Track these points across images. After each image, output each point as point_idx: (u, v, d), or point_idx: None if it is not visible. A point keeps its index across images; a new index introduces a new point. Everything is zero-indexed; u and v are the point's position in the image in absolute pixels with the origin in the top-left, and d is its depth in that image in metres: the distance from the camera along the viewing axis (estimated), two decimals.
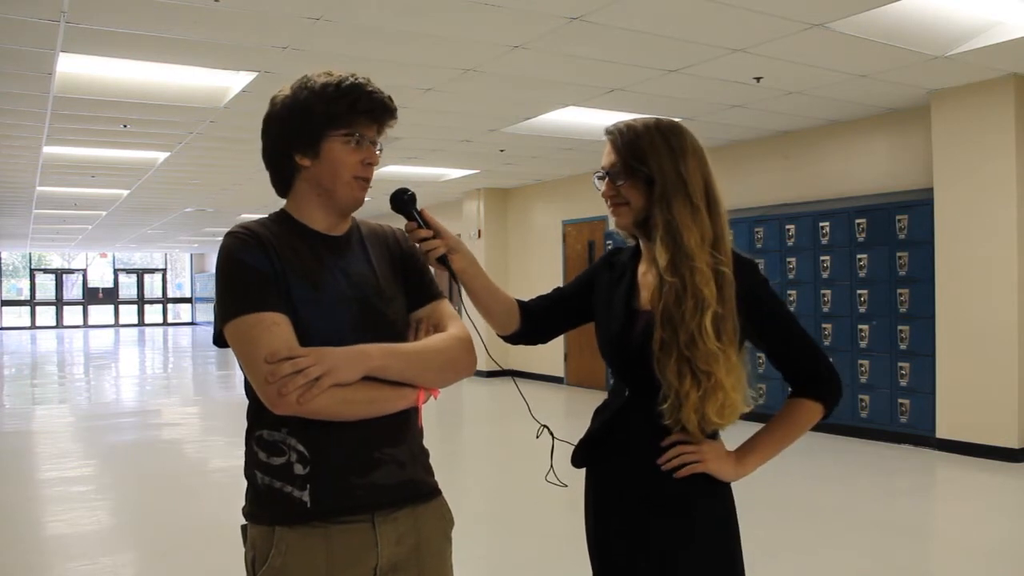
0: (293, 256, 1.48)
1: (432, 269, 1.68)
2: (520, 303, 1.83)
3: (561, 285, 1.92)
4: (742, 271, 1.63)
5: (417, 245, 1.64)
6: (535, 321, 1.84)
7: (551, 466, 1.73)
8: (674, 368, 1.55)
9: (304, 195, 1.54)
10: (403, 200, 1.64)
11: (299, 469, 1.44)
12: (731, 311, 1.58)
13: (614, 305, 1.73)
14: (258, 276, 1.43)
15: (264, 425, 1.47)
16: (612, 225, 1.77)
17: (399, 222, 1.70)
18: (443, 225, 1.67)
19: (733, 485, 1.69)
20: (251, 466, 1.50)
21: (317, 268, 1.50)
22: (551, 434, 1.77)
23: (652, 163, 1.61)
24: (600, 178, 1.70)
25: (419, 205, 1.68)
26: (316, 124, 1.48)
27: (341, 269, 1.53)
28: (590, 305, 1.83)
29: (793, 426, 1.69)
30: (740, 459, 1.65)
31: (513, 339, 1.86)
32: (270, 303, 1.41)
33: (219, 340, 1.47)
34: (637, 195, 1.64)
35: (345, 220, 1.59)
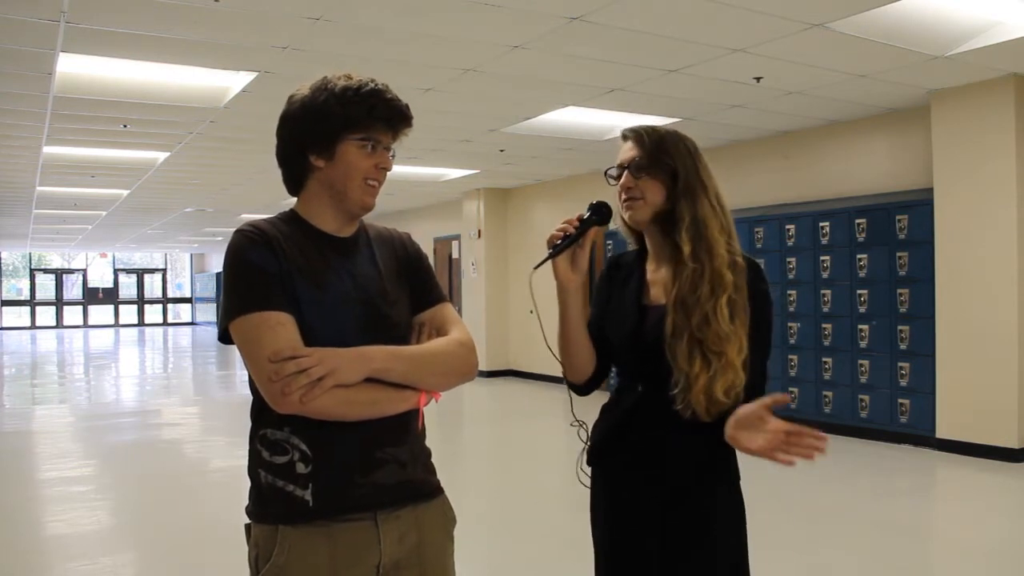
0: (300, 256, 1.50)
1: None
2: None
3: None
4: (749, 270, 1.70)
5: (564, 225, 1.71)
6: (601, 354, 1.83)
7: (579, 467, 1.78)
8: (685, 350, 1.61)
9: (315, 195, 1.56)
10: (600, 209, 1.72)
11: (301, 468, 1.45)
12: (743, 299, 1.65)
13: (625, 303, 1.77)
14: (265, 275, 1.45)
15: (267, 424, 1.48)
16: (614, 225, 1.80)
17: (402, 225, 1.71)
18: (587, 253, 1.73)
19: None
20: (254, 465, 1.51)
21: (323, 269, 1.51)
22: (587, 435, 1.81)
23: (677, 159, 1.70)
24: (616, 176, 1.74)
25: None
26: (333, 126, 1.49)
27: (347, 271, 1.54)
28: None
29: None
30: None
31: (589, 385, 1.85)
32: (275, 302, 1.43)
33: (224, 337, 1.48)
34: (656, 189, 1.70)
35: (353, 222, 1.61)
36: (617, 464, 1.75)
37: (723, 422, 1.61)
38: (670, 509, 1.67)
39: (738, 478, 1.73)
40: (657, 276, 1.74)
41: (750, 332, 1.65)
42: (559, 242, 1.71)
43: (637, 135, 1.73)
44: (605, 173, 1.78)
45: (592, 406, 1.88)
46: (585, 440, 1.80)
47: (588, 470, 1.82)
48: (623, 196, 1.73)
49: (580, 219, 1.71)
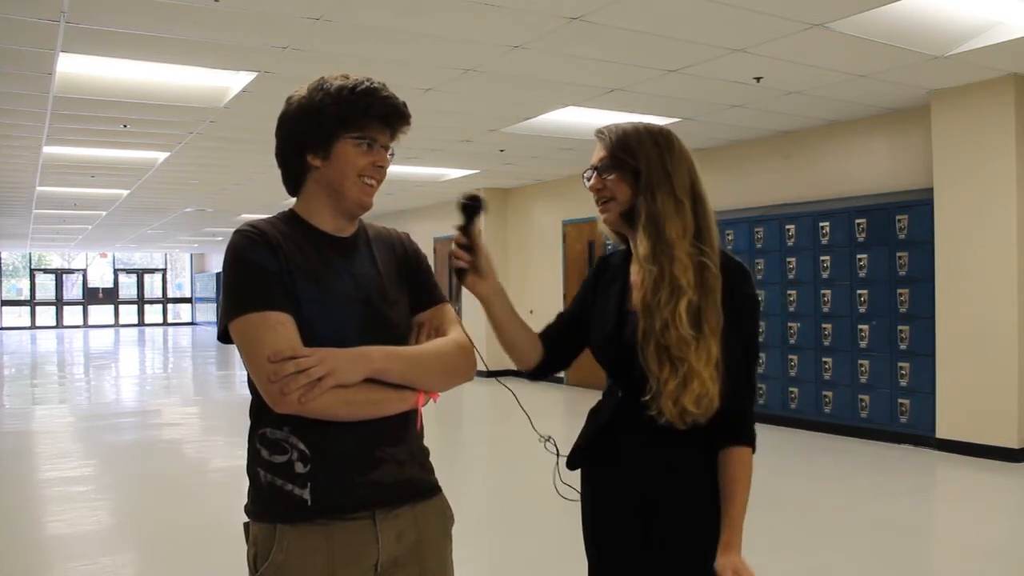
0: (300, 256, 1.50)
1: (453, 276, 1.68)
2: (539, 334, 1.83)
3: (562, 285, 1.91)
4: (731, 273, 1.64)
5: (452, 247, 1.66)
6: (555, 348, 1.82)
7: (556, 479, 1.74)
8: (654, 355, 1.57)
9: (314, 195, 1.56)
10: (468, 204, 1.65)
11: (300, 467, 1.45)
12: (714, 303, 1.59)
13: (607, 307, 1.75)
14: (265, 275, 1.45)
15: (267, 423, 1.48)
16: (600, 225, 1.78)
17: (402, 225, 1.70)
18: (484, 247, 1.68)
19: None
20: (253, 463, 1.51)
21: (323, 269, 1.51)
22: (555, 448, 1.77)
23: (639, 156, 1.65)
24: (588, 176, 1.73)
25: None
26: (329, 125, 1.50)
27: (347, 271, 1.54)
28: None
29: (743, 483, 1.62)
30: (730, 548, 1.59)
31: (536, 373, 1.84)
32: (275, 302, 1.43)
33: (224, 336, 1.48)
34: (623, 188, 1.67)
35: (353, 222, 1.61)
36: (599, 469, 1.74)
37: (699, 430, 1.58)
38: (651, 516, 1.64)
39: (717, 489, 1.65)
40: (639, 280, 1.70)
41: (729, 339, 1.59)
42: (459, 267, 1.65)
43: (602, 135, 1.72)
44: (583, 176, 1.76)
45: (586, 406, 1.88)
46: (556, 452, 1.76)
47: (569, 479, 1.77)
48: (595, 198, 1.72)
49: (461, 228, 1.66)
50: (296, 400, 1.37)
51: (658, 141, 1.67)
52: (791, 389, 7.53)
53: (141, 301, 29.41)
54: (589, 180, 1.73)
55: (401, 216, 14.54)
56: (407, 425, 1.56)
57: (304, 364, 1.37)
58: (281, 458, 1.46)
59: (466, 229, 1.65)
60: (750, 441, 1.63)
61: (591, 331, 1.79)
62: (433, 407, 1.56)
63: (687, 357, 1.55)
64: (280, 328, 1.41)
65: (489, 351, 1.79)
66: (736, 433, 1.62)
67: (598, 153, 1.72)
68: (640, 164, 1.65)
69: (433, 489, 1.61)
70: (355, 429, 1.46)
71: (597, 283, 1.82)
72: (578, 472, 1.80)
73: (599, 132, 1.73)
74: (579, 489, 1.79)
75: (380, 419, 1.48)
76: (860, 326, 7.02)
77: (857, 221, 7.03)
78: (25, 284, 28.45)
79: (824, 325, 7.29)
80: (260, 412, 1.49)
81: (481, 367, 1.69)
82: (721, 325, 1.59)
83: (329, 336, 1.45)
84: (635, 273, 1.72)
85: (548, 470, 1.75)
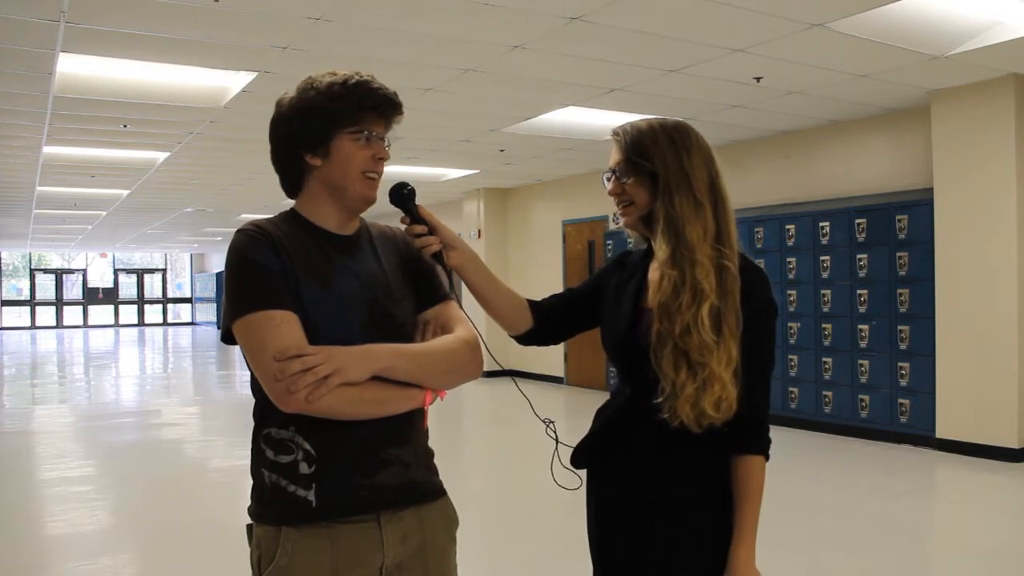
0: (303, 255, 1.49)
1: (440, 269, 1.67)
2: (531, 302, 1.81)
3: (562, 285, 1.89)
4: (749, 278, 1.62)
5: (413, 241, 1.63)
6: (547, 320, 1.81)
7: (553, 465, 1.71)
8: (670, 359, 1.55)
9: (315, 194, 1.55)
10: (402, 195, 1.62)
11: (304, 468, 1.44)
12: (733, 305, 1.57)
13: (622, 304, 1.72)
14: (268, 274, 1.43)
15: (272, 423, 1.47)
16: (614, 225, 1.77)
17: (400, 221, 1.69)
18: (440, 221, 1.64)
19: None
20: (258, 464, 1.50)
21: (327, 267, 1.50)
22: (554, 433, 1.74)
23: (656, 159, 1.62)
24: (608, 179, 1.71)
25: (428, 199, 1.66)
26: (324, 123, 1.49)
27: (351, 269, 1.53)
28: (600, 307, 1.81)
29: (753, 493, 1.60)
30: (739, 559, 1.57)
31: (525, 339, 1.82)
32: (279, 301, 1.42)
33: (227, 337, 1.47)
34: (642, 192, 1.65)
35: (355, 219, 1.60)
36: (605, 468, 1.72)
37: (708, 432, 1.56)
38: (657, 517, 1.63)
39: (728, 491, 1.62)
40: (656, 278, 1.67)
41: (746, 342, 1.57)
42: (436, 251, 1.60)
43: (617, 136, 1.68)
44: (602, 178, 1.73)
45: (591, 407, 1.87)
46: (555, 438, 1.73)
47: (569, 471, 1.74)
48: (615, 201, 1.69)
49: (409, 218, 1.62)
50: (303, 399, 1.35)
51: (674, 139, 1.63)
52: (791, 389, 7.53)
53: (141, 301, 29.41)
54: (608, 183, 1.70)
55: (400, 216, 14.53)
56: (413, 425, 1.55)
57: (310, 362, 1.36)
58: (287, 458, 1.45)
59: (414, 216, 1.62)
60: (763, 450, 1.61)
61: (604, 329, 1.77)
62: (435, 405, 1.55)
63: (708, 362, 1.52)
64: (285, 327, 1.40)
65: (493, 348, 1.78)
66: (750, 442, 1.60)
67: (614, 156, 1.68)
68: (657, 167, 1.61)
69: (438, 492, 1.60)
70: (361, 429, 1.45)
71: (613, 278, 1.79)
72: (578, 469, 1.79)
73: (615, 132, 1.69)
74: (579, 476, 1.77)
75: (386, 419, 1.47)
76: (860, 326, 7.02)
77: (857, 221, 7.03)
78: (25, 284, 28.46)
79: (824, 325, 7.29)
80: (265, 412, 1.48)
81: (495, 366, 1.68)
82: (741, 327, 1.57)
83: (334, 335, 1.43)
84: (654, 271, 1.68)
85: (548, 470, 1.74)
